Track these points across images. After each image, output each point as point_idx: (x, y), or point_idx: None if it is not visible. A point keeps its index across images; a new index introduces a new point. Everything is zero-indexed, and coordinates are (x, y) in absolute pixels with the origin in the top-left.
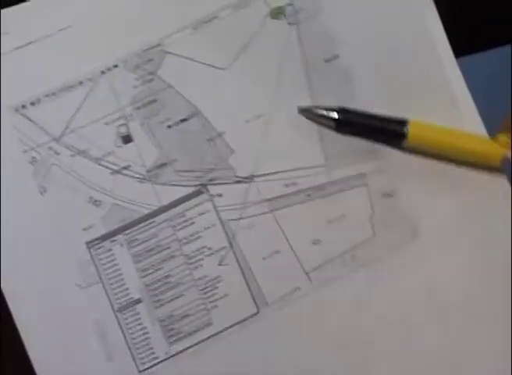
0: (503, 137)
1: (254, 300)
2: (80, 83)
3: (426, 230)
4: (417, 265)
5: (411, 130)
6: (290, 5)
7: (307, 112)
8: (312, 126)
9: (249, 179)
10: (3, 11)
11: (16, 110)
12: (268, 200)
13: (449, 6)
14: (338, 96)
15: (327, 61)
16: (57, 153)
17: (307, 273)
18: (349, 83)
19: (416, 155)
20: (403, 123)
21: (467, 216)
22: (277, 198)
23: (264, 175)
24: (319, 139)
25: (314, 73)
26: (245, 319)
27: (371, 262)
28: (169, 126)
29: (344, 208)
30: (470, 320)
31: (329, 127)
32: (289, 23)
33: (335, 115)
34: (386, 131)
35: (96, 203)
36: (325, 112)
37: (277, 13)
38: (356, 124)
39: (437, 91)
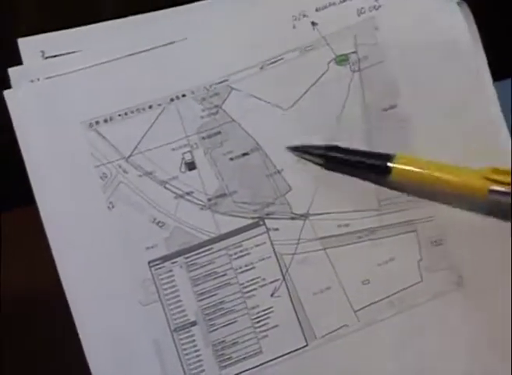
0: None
1: (303, 333)
2: (150, 107)
3: (471, 280)
4: (460, 313)
5: (396, 165)
6: (354, 52)
7: (297, 151)
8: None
9: (304, 216)
10: (77, 29)
11: (90, 126)
12: (322, 238)
13: None
14: (393, 144)
15: (385, 110)
16: (125, 172)
17: (355, 312)
18: (404, 133)
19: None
20: (388, 157)
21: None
22: (330, 237)
23: (319, 214)
24: (374, 184)
25: (372, 120)
26: (293, 351)
27: (417, 306)
28: (231, 159)
29: (394, 252)
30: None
31: (318, 164)
32: (352, 70)
33: (322, 152)
34: (371, 166)
35: (159, 224)
36: (313, 151)
37: (341, 60)
38: (343, 161)
39: (486, 135)
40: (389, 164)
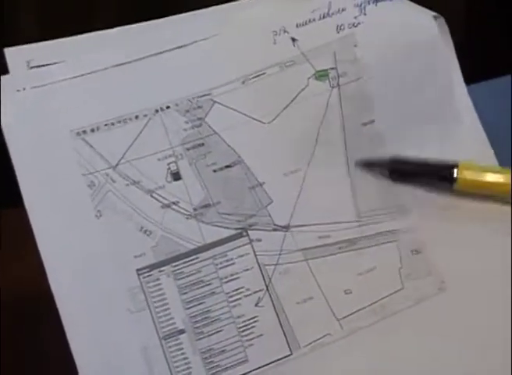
0: None
1: (287, 342)
2: (136, 117)
3: (454, 284)
4: (444, 317)
5: (461, 174)
6: (334, 68)
7: (364, 165)
8: (346, 184)
9: (286, 228)
10: (63, 40)
11: (77, 134)
12: (303, 249)
13: None
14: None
15: (364, 124)
16: (113, 180)
17: (338, 320)
18: (382, 147)
19: (446, 211)
20: (452, 166)
21: (492, 272)
22: (311, 248)
23: (300, 226)
24: (352, 196)
25: (351, 134)
26: (278, 360)
27: (399, 312)
28: (215, 171)
29: (375, 262)
30: None
31: (385, 177)
32: (331, 86)
33: (387, 164)
34: (436, 176)
35: (147, 233)
36: (378, 163)
37: (321, 76)
38: (407, 173)
39: (460, 143)
40: (453, 173)
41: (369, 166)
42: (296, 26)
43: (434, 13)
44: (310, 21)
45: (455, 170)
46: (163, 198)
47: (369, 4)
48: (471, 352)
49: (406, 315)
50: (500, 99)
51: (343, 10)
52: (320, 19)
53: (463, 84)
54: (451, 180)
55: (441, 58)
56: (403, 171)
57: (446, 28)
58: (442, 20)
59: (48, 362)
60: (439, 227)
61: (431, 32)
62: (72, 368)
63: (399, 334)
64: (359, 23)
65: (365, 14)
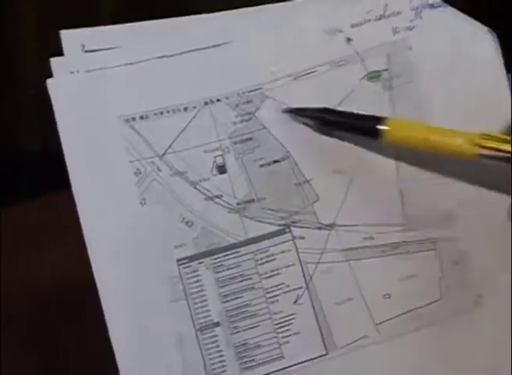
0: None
1: (323, 341)
2: (185, 109)
3: (490, 300)
4: (477, 333)
5: (389, 128)
6: (386, 70)
7: (291, 113)
8: (395, 186)
9: (330, 227)
10: (118, 26)
11: (126, 121)
12: (346, 249)
13: None
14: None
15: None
16: (159, 169)
17: (375, 324)
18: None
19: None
20: (379, 119)
21: None
22: (354, 249)
23: (345, 226)
24: (400, 200)
25: None
26: (313, 359)
27: (435, 324)
28: (261, 166)
29: (415, 269)
30: None
31: (308, 126)
32: (383, 87)
33: (315, 114)
34: (362, 129)
35: (188, 224)
36: (306, 113)
37: (373, 77)
38: (335, 123)
39: None
40: (379, 127)
41: (296, 113)
42: (351, 26)
43: (487, 27)
44: (365, 22)
45: (381, 123)
46: (207, 190)
47: (425, 8)
48: (501, 369)
49: (442, 327)
50: None
51: (398, 13)
52: (376, 20)
53: (509, 98)
54: (377, 133)
55: (494, 74)
56: (328, 121)
57: (497, 42)
58: (494, 36)
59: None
60: (482, 240)
61: (485, 45)
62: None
63: (434, 345)
64: (414, 27)
65: (421, 18)
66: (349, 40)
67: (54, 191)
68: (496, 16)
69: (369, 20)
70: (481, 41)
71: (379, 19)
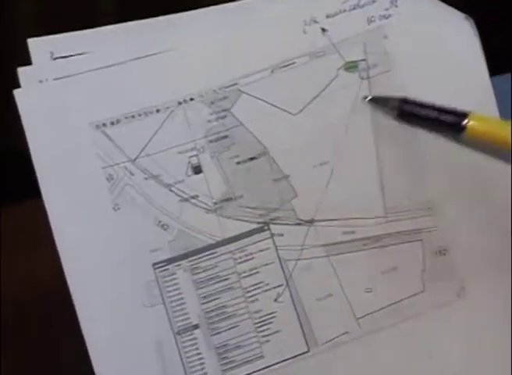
0: None
1: (305, 339)
2: (158, 110)
3: (473, 291)
4: (460, 324)
5: (471, 123)
6: (364, 60)
7: (372, 101)
8: (375, 179)
9: (309, 222)
10: (86, 31)
11: (97, 127)
12: (326, 245)
13: None
14: (402, 154)
15: (395, 119)
16: (132, 174)
17: (357, 319)
18: (413, 143)
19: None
20: (463, 114)
21: None
22: (334, 244)
23: (324, 220)
24: (380, 192)
25: (381, 128)
26: (295, 357)
27: (418, 316)
28: (238, 163)
29: (397, 261)
30: None
31: (391, 117)
32: (360, 78)
33: (396, 104)
34: (445, 123)
35: (164, 227)
36: (387, 102)
37: (350, 67)
38: (417, 115)
39: None
40: (462, 122)
41: (379, 102)
42: (327, 16)
43: (464, 14)
44: (340, 12)
45: (466, 119)
46: (182, 192)
47: None
48: (486, 360)
49: (424, 319)
50: (500, 98)
51: (374, 2)
52: (351, 10)
53: (490, 86)
54: (460, 128)
55: (471, 59)
56: (412, 113)
57: (475, 30)
58: (472, 22)
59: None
60: (465, 231)
61: (462, 31)
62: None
63: (415, 338)
64: (390, 15)
65: (396, 6)
66: (324, 30)
67: None
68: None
69: (344, 10)
70: (457, 27)
71: (354, 8)
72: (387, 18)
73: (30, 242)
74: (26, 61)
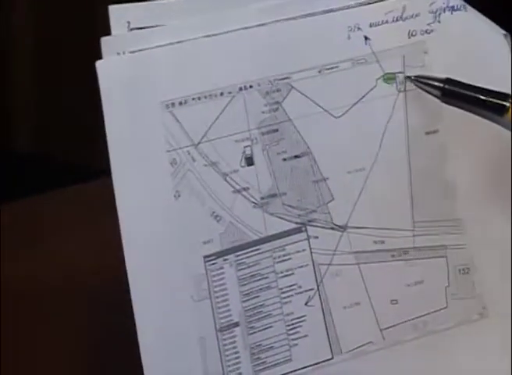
0: None
1: (330, 346)
2: (222, 94)
3: (495, 311)
4: (481, 344)
5: None
6: (401, 73)
7: (416, 81)
8: (406, 191)
9: (343, 228)
10: (163, 2)
11: (167, 107)
12: (357, 252)
13: None
14: (432, 168)
15: (427, 133)
16: (194, 159)
17: (381, 330)
18: (443, 158)
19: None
20: (506, 96)
21: None
22: (365, 252)
23: (357, 227)
24: (411, 205)
25: (414, 141)
26: (319, 363)
27: (440, 332)
28: (284, 159)
29: (423, 275)
30: None
31: (435, 96)
32: (398, 90)
33: (441, 84)
34: (489, 103)
35: (217, 218)
36: (432, 82)
37: (389, 78)
38: (460, 95)
39: None
40: (505, 103)
41: (423, 80)
42: (370, 25)
43: (504, 31)
44: (383, 22)
45: (508, 100)
46: (236, 183)
47: (444, 12)
48: None
49: (446, 335)
50: None
51: (416, 15)
52: (393, 21)
53: None
54: (503, 109)
55: (504, 76)
56: (456, 93)
57: (510, 48)
58: (509, 39)
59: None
60: (489, 250)
61: (502, 50)
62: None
63: (437, 353)
64: (432, 31)
65: (439, 22)
66: (367, 39)
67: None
68: None
69: (386, 21)
70: (496, 45)
71: (396, 20)
72: (429, 33)
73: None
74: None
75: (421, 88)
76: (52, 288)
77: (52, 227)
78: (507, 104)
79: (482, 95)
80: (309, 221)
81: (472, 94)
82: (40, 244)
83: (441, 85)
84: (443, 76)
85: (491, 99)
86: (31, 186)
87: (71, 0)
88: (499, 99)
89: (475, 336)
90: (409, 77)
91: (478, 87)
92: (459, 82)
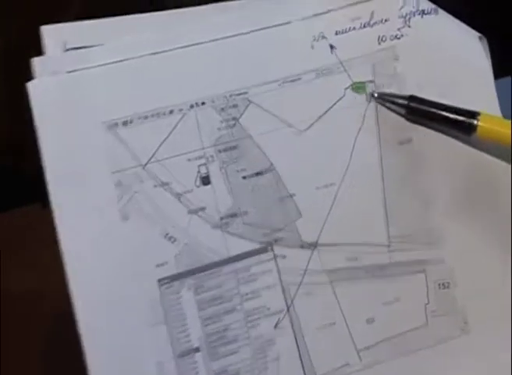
0: None
1: (303, 369)
2: (171, 112)
3: (476, 326)
4: (463, 360)
5: (482, 123)
6: (372, 82)
7: (380, 98)
8: (380, 204)
9: (313, 246)
10: (100, 21)
11: (109, 128)
12: (329, 270)
13: None
14: (406, 178)
15: (401, 143)
16: (141, 181)
17: (357, 351)
18: (419, 168)
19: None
20: (474, 114)
21: None
22: (337, 270)
23: (328, 245)
24: (385, 219)
25: (386, 152)
26: None
27: (419, 350)
28: (244, 177)
29: (401, 292)
30: None
31: (399, 114)
32: (368, 100)
33: (405, 102)
34: (456, 122)
35: (171, 240)
36: (396, 99)
37: (358, 87)
38: (425, 113)
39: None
40: (474, 122)
41: (387, 98)
42: (336, 33)
43: (478, 34)
44: (350, 29)
45: (477, 118)
46: (190, 203)
47: (414, 16)
48: None
49: (427, 353)
50: (500, 101)
51: (386, 21)
52: (361, 27)
53: (498, 109)
54: (470, 127)
55: (482, 81)
56: (421, 110)
57: (487, 50)
58: (485, 42)
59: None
60: (471, 263)
61: (476, 53)
62: None
63: (417, 373)
64: (402, 36)
65: (410, 26)
66: (332, 47)
67: None
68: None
69: (354, 28)
70: (471, 49)
71: (364, 26)
72: (399, 38)
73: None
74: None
75: (385, 106)
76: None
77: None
78: (475, 122)
79: (448, 113)
80: (275, 240)
81: (438, 111)
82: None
83: (405, 103)
84: (414, 85)
85: (458, 117)
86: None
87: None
88: (467, 117)
89: (457, 352)
90: (373, 95)
91: (444, 105)
92: (423, 99)
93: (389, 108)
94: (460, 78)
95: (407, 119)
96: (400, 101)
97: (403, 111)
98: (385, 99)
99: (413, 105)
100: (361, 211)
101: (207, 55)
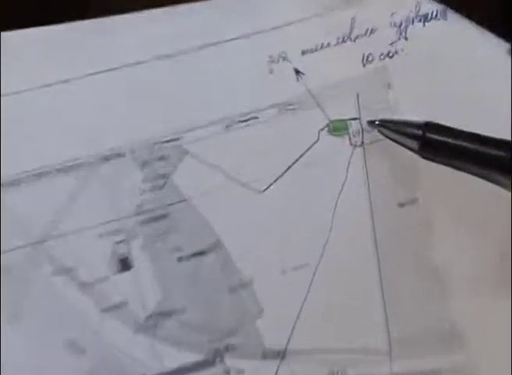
0: None
1: None
2: (77, 166)
3: None
4: None
5: None
6: (356, 119)
7: (382, 126)
8: (374, 290)
9: (280, 354)
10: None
11: None
12: None
13: None
14: (414, 258)
15: (401, 205)
16: (35, 266)
17: None
18: (429, 236)
19: None
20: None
21: None
22: None
23: (302, 352)
24: (383, 314)
25: (381, 219)
26: None
27: None
28: (180, 259)
29: None
30: None
31: (410, 149)
32: (352, 144)
33: (419, 131)
34: (496, 158)
35: (78, 351)
36: (405, 128)
37: (337, 129)
38: (448, 147)
39: None
40: None
41: (391, 127)
42: (302, 52)
43: (508, 45)
44: (322, 46)
45: None
46: (104, 296)
47: (413, 23)
48: None
49: None
50: None
51: (372, 32)
52: (338, 43)
53: None
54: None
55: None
56: (441, 143)
57: None
58: None
59: None
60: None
61: (503, 73)
62: None
63: None
64: (396, 52)
65: (406, 38)
66: (298, 73)
67: None
68: None
69: (328, 44)
70: (496, 67)
71: (343, 41)
72: (392, 56)
73: None
74: None
75: (389, 138)
76: None
77: None
78: None
79: (484, 147)
80: (227, 348)
81: (465, 144)
82: None
83: (419, 133)
84: (421, 119)
85: (498, 153)
86: None
87: None
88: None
89: None
90: (372, 122)
91: (477, 135)
92: (445, 127)
93: (395, 141)
94: (480, 110)
95: (422, 157)
96: (412, 130)
97: (415, 145)
98: (389, 128)
99: (431, 135)
100: (348, 303)
101: (122, 84)
